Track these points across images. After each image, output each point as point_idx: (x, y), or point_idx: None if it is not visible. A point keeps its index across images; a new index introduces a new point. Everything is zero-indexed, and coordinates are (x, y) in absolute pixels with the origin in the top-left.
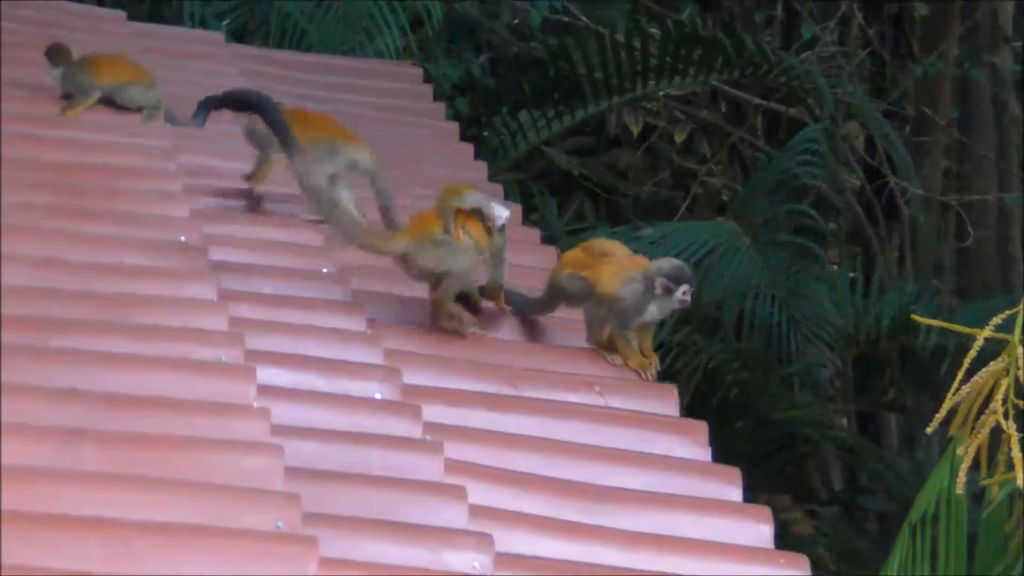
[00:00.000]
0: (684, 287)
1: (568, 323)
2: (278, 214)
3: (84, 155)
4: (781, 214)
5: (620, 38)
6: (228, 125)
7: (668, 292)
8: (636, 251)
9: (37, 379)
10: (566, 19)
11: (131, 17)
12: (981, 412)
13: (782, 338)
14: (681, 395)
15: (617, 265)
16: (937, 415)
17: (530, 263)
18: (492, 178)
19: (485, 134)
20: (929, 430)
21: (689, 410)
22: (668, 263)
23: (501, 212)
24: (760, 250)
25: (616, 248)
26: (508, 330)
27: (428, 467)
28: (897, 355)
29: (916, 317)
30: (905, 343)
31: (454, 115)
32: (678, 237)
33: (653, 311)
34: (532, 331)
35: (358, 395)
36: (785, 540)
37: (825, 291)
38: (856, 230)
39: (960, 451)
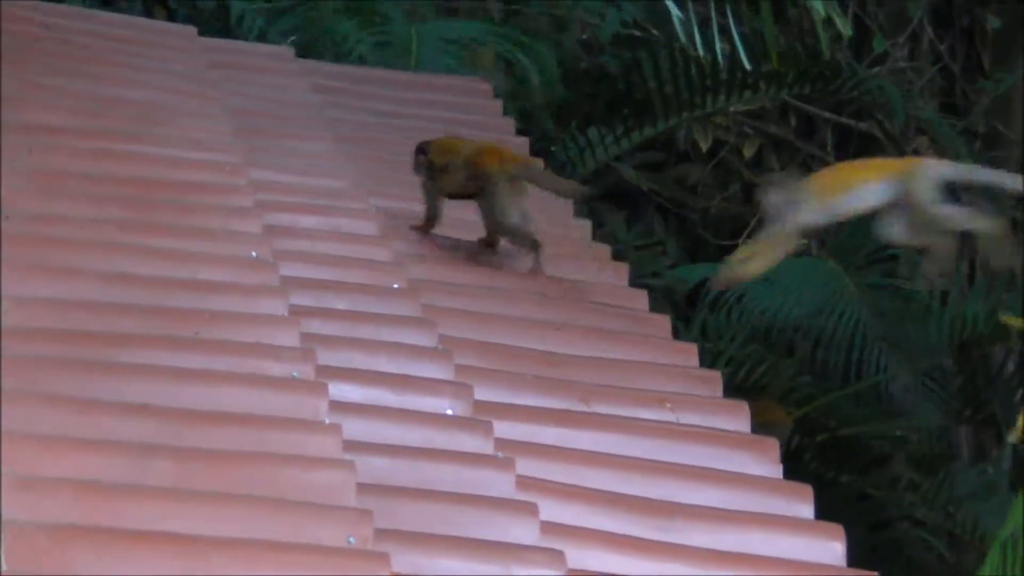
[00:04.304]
0: None
1: (639, 338)
2: (348, 232)
3: (155, 170)
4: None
5: (692, 52)
6: (298, 142)
7: None
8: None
9: (109, 394)
10: (637, 33)
11: (202, 33)
12: None
13: (855, 352)
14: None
15: None
16: (1017, 426)
17: (601, 278)
18: None
19: (553, 149)
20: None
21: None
22: None
23: None
24: (849, 273)
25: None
26: (578, 345)
27: (499, 483)
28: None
29: (1007, 318)
30: (975, 355)
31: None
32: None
33: None
34: (603, 346)
35: (429, 411)
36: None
37: (900, 305)
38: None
39: None
